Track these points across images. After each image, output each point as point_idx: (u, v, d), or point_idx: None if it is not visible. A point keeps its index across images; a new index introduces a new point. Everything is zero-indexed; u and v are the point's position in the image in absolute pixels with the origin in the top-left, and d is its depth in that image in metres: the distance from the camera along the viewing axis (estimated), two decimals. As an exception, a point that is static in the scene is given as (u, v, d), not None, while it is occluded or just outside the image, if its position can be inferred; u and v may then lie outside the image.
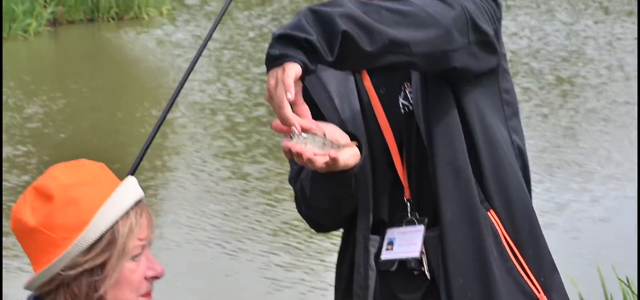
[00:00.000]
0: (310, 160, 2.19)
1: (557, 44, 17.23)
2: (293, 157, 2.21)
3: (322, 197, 2.50)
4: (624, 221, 8.46)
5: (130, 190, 2.36)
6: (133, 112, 13.75)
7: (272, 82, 2.10)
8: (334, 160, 2.20)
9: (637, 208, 7.23)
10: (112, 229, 2.24)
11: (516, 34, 17.65)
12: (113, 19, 20.43)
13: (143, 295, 2.43)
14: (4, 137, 11.57)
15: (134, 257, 2.32)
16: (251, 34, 19.15)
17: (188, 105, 13.31)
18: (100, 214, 2.23)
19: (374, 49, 2.15)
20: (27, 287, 2.40)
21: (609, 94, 13.57)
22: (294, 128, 2.13)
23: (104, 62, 17.19)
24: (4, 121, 12.33)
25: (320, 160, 2.19)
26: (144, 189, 7.50)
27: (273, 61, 2.11)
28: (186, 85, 10.22)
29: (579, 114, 12.48)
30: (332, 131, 2.30)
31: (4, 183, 9.60)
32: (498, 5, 2.45)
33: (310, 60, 2.09)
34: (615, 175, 10.01)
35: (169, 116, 11.18)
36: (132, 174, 2.58)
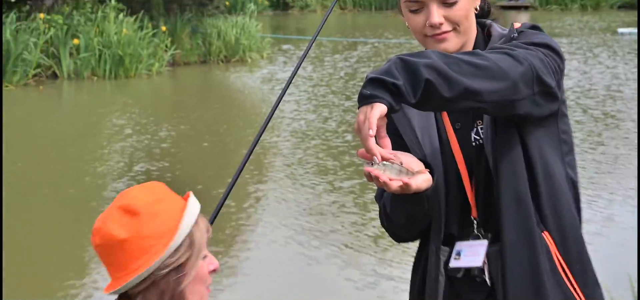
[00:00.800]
0: (385, 184, 2.21)
1: (601, 84, 17.26)
2: (372, 180, 2.22)
3: (399, 214, 2.50)
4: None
5: (195, 203, 2.50)
6: (241, 136, 13.88)
7: (361, 117, 2.12)
8: (407, 185, 2.22)
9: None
10: (191, 233, 2.41)
11: (566, 75, 17.10)
12: (222, 61, 20.60)
13: (207, 287, 2.58)
14: (141, 155, 12.00)
15: (204, 257, 2.49)
16: (341, 74, 19.22)
17: (291, 132, 13.38)
18: (183, 222, 2.40)
19: (451, 96, 2.17)
20: (117, 290, 2.50)
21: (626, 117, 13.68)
22: (374, 156, 2.16)
23: (216, 96, 17.35)
24: (141, 143, 12.77)
25: (395, 184, 2.21)
26: (253, 198, 7.82)
27: (364, 99, 2.13)
28: (288, 115, 10.50)
29: (621, 143, 12.63)
30: (409, 160, 2.30)
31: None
32: (562, 59, 2.44)
33: (395, 102, 2.12)
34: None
35: (274, 139, 11.40)
36: (230, 190, 2.88)
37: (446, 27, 2.44)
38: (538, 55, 2.34)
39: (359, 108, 2.15)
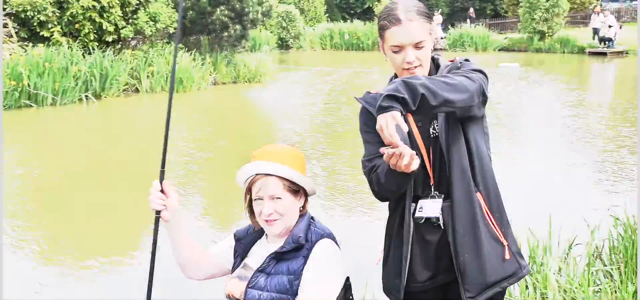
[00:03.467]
0: (404, 160, 2.15)
1: (491, 96, 17.12)
2: (388, 159, 2.18)
3: (392, 184, 2.38)
4: (531, 196, 8.28)
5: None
6: (259, 120, 14.17)
7: (383, 121, 2.12)
8: (408, 165, 2.16)
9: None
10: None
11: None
12: (247, 81, 20.58)
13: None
14: (194, 138, 11.74)
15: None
16: (327, 89, 19.31)
17: (314, 125, 13.33)
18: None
19: (436, 104, 2.19)
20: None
21: (520, 129, 13.55)
22: (397, 145, 2.13)
23: (240, 105, 17.36)
24: (193, 131, 12.55)
25: (407, 161, 2.14)
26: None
27: (383, 109, 2.13)
28: (304, 110, 10.07)
29: (507, 131, 12.52)
30: (409, 149, 2.20)
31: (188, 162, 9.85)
32: (487, 80, 2.44)
33: (403, 109, 2.13)
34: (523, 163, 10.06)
35: (302, 129, 11.12)
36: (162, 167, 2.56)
37: (416, 63, 2.42)
38: (480, 77, 2.38)
39: (379, 114, 2.15)
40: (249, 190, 2.49)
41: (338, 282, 2.39)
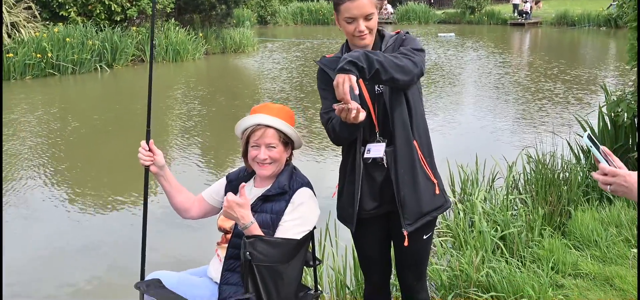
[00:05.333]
0: (352, 114, 2.15)
1: (433, 60, 17.10)
2: (339, 112, 2.18)
3: (345, 132, 2.37)
4: (463, 139, 8.38)
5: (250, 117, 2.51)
6: (246, 83, 13.79)
7: (340, 80, 2.10)
8: (356, 118, 2.15)
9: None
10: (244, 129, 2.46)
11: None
12: (233, 52, 20.12)
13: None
14: (192, 99, 11.56)
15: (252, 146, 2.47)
16: (298, 55, 19.00)
17: (294, 85, 13.09)
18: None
19: (385, 78, 2.20)
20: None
21: (457, 85, 13.55)
22: (348, 101, 2.11)
23: (230, 70, 16.98)
24: (190, 94, 12.30)
25: (354, 114, 2.14)
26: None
27: (343, 71, 2.12)
28: (279, 72, 9.97)
29: (449, 89, 12.55)
30: (357, 104, 2.18)
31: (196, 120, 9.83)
32: (425, 55, 2.42)
33: (359, 75, 2.13)
34: (467, 115, 10.13)
35: (285, 87, 11.07)
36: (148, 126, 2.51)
37: (366, 31, 2.38)
38: (422, 58, 2.37)
39: (338, 74, 2.12)
40: (246, 138, 2.49)
41: (311, 223, 2.42)
